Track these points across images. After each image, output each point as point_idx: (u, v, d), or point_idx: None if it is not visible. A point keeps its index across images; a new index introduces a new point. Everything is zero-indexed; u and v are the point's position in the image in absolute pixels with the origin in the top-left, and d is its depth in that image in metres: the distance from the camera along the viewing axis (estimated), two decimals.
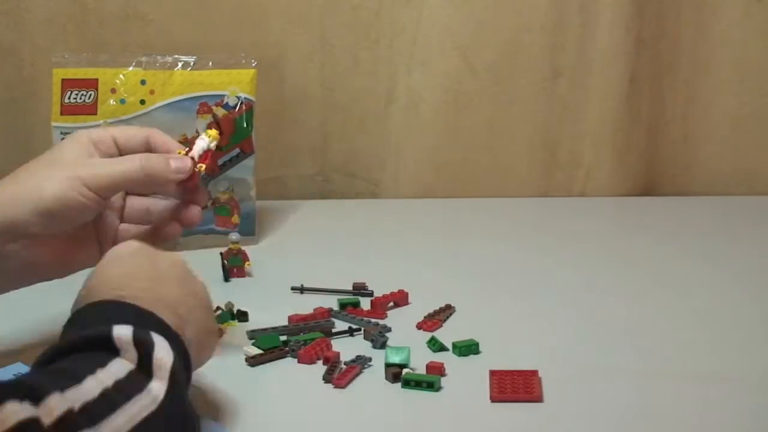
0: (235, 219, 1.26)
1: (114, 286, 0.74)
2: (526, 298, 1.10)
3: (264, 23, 1.41)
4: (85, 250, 0.90)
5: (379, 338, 0.97)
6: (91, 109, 1.23)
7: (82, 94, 1.22)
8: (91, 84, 1.23)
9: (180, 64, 1.25)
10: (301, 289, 1.11)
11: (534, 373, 0.89)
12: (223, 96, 1.25)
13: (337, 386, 0.89)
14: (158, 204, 0.91)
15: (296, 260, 1.22)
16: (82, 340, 0.66)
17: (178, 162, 0.88)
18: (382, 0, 1.41)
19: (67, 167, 0.85)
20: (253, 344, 0.96)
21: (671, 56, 1.45)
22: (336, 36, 1.42)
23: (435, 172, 1.46)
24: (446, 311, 1.05)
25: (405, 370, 0.90)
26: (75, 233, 0.88)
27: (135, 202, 0.92)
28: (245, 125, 1.25)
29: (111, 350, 0.65)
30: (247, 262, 1.16)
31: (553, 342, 0.99)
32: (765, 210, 1.40)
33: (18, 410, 0.55)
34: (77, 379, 0.61)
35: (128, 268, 0.76)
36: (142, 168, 0.85)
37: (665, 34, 1.44)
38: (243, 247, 1.18)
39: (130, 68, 1.24)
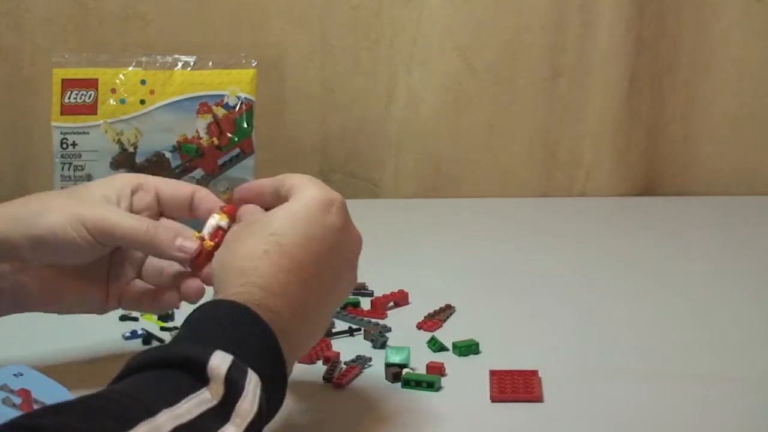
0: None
1: (261, 276, 0.73)
2: (526, 298, 1.10)
3: (264, 23, 1.41)
4: (89, 293, 0.87)
5: (379, 338, 0.98)
6: (91, 109, 1.23)
7: (82, 94, 1.23)
8: (91, 84, 1.23)
9: (180, 64, 1.25)
10: None
11: (534, 373, 0.89)
12: (223, 96, 1.25)
13: (337, 386, 0.89)
14: (173, 267, 0.87)
15: None
16: (177, 359, 0.64)
17: (185, 242, 0.84)
18: (382, 0, 1.41)
19: (79, 203, 0.83)
20: None
21: (671, 56, 1.45)
22: (336, 36, 1.42)
23: (435, 172, 1.46)
24: (446, 311, 1.05)
25: (405, 370, 0.90)
26: (82, 274, 0.87)
27: (153, 261, 0.88)
28: (245, 125, 1.25)
29: (201, 378, 0.63)
30: None
31: (553, 342, 0.99)
32: (765, 210, 1.40)
33: None
34: (151, 411, 0.59)
35: (293, 249, 0.75)
36: (146, 232, 0.82)
37: (665, 34, 1.44)
38: None
39: (130, 68, 1.24)
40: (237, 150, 1.25)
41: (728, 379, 0.91)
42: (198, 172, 1.24)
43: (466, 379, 0.91)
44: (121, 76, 1.23)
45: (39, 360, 0.88)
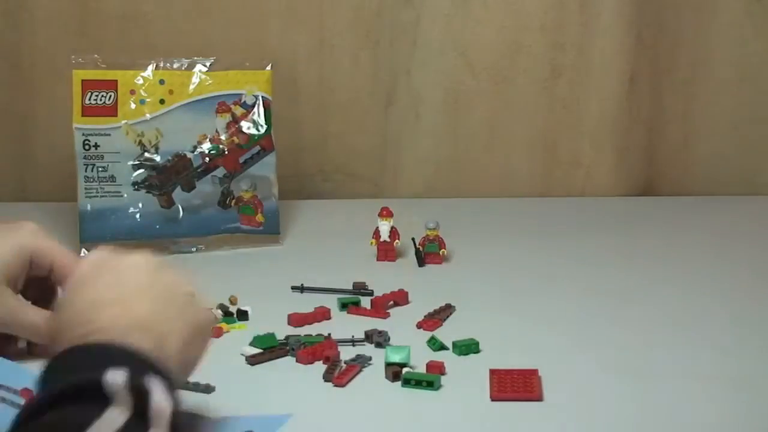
0: (260, 217, 1.26)
1: (83, 320, 0.70)
2: (526, 297, 1.10)
3: (264, 23, 1.41)
4: None
5: (378, 337, 0.97)
6: (111, 111, 1.22)
7: (102, 96, 1.22)
8: (111, 85, 1.23)
9: (197, 66, 1.25)
10: (301, 289, 1.11)
11: (534, 372, 0.89)
12: (240, 95, 1.25)
13: (337, 385, 0.89)
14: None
15: (296, 260, 1.22)
16: (72, 388, 0.61)
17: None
18: (382, 0, 1.41)
19: None
20: (250, 344, 0.96)
21: (671, 56, 1.45)
22: (336, 36, 1.42)
23: (435, 172, 1.46)
24: (446, 311, 1.05)
25: (405, 369, 0.90)
26: None
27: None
28: (264, 123, 1.25)
29: (102, 398, 0.60)
30: (443, 249, 1.18)
31: (553, 342, 0.99)
32: (765, 210, 1.40)
33: None
34: None
35: (95, 294, 0.73)
36: (43, 329, 0.84)
37: (665, 34, 1.44)
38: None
39: (149, 69, 1.24)
40: (257, 148, 1.26)
41: (728, 379, 0.91)
42: (220, 171, 1.24)
43: (466, 378, 0.90)
44: (140, 76, 1.23)
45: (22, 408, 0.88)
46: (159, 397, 0.61)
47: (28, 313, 0.86)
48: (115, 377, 0.61)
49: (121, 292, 0.74)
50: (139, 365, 0.64)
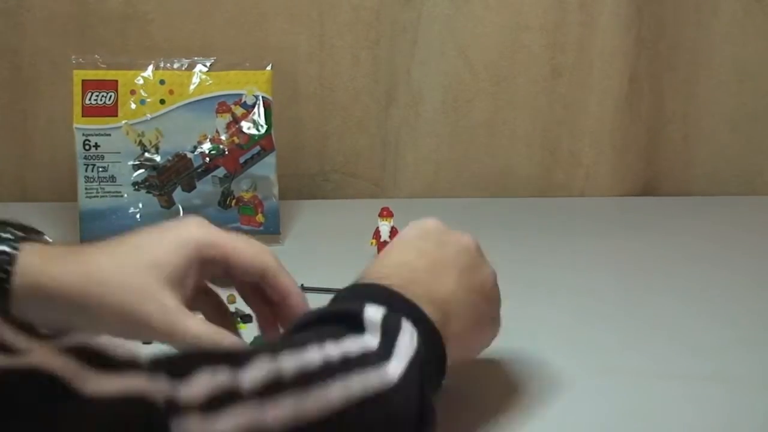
0: (260, 218, 1.26)
1: (384, 273, 0.74)
2: (526, 298, 1.10)
3: (264, 23, 1.41)
4: None
5: None
6: (111, 111, 1.23)
7: (102, 96, 1.22)
8: (111, 85, 1.23)
9: (198, 66, 1.25)
10: (301, 289, 1.11)
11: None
12: (241, 95, 1.25)
13: None
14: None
15: (296, 260, 1.22)
16: (331, 314, 0.67)
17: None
18: (382, 0, 1.41)
19: (140, 299, 0.72)
20: (250, 344, 0.96)
21: (671, 56, 1.45)
22: (336, 36, 1.42)
23: (435, 172, 1.46)
24: None
25: None
26: None
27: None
28: (264, 123, 1.26)
29: (357, 328, 0.65)
30: None
31: (553, 342, 0.99)
32: (765, 210, 1.41)
33: (142, 386, 0.52)
34: (299, 346, 0.61)
35: (408, 256, 0.77)
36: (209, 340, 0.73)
37: (665, 34, 1.44)
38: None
39: (149, 69, 1.24)
40: (257, 148, 1.26)
41: (728, 379, 0.91)
42: (220, 171, 1.25)
43: (465, 379, 0.90)
44: (140, 76, 1.23)
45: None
46: (404, 338, 0.66)
47: (187, 323, 0.72)
48: (373, 312, 0.66)
49: (435, 262, 0.77)
50: (408, 313, 0.69)
